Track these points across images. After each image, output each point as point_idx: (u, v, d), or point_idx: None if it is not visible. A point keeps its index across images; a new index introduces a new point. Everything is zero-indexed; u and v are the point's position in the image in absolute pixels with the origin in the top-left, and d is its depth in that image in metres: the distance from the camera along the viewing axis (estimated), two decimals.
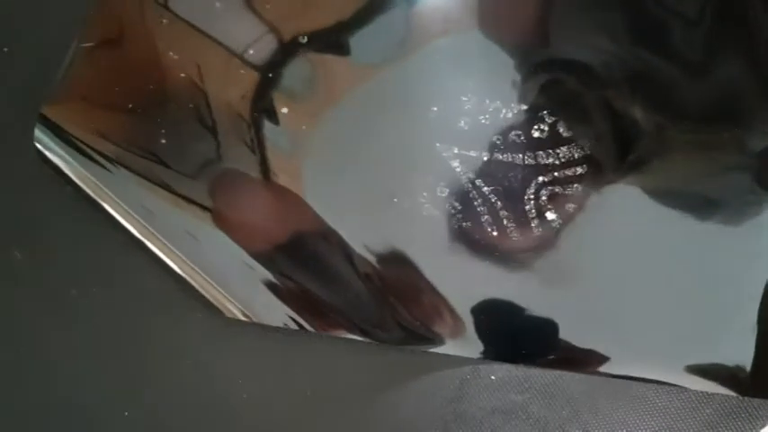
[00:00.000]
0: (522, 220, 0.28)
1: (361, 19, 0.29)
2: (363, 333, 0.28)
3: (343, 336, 0.28)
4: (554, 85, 0.29)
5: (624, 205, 0.29)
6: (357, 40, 0.29)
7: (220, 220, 0.28)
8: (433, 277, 0.28)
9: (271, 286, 0.28)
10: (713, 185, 0.29)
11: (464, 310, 0.28)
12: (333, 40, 0.29)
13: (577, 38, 0.30)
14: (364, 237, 0.28)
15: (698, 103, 0.30)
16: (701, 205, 0.29)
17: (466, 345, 0.28)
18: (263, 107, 0.29)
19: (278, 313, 0.28)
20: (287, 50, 0.29)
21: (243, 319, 0.28)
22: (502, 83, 0.29)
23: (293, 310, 0.28)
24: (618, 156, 0.29)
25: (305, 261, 0.28)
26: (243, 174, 0.28)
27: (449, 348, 0.28)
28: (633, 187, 0.29)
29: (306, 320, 0.28)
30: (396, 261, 0.28)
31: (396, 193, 0.28)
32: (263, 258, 0.28)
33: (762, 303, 0.28)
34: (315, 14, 0.30)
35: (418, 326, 0.28)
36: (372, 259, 0.28)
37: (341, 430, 0.28)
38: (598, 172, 0.29)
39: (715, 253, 0.28)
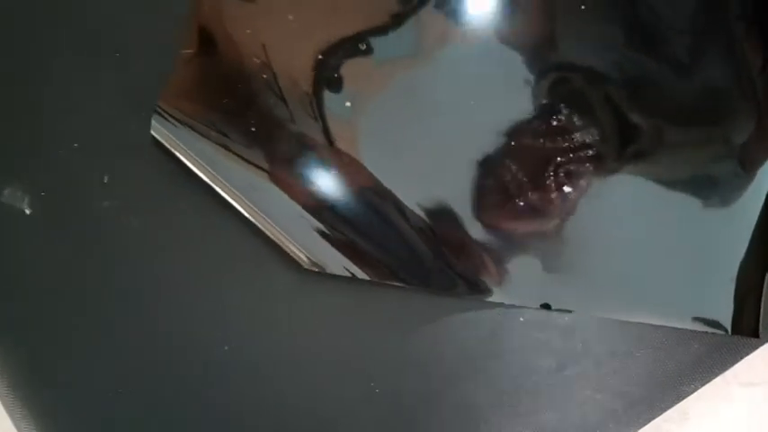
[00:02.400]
0: (543, 192, 0.35)
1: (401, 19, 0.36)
2: (415, 282, 0.34)
3: (393, 283, 0.34)
4: (563, 83, 0.36)
5: (626, 181, 0.35)
6: (404, 36, 0.36)
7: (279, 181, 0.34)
8: (477, 233, 0.34)
9: (335, 242, 0.34)
10: (703, 171, 0.36)
11: (503, 263, 0.34)
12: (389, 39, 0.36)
13: (582, 44, 0.36)
14: (417, 195, 0.34)
15: (687, 102, 0.36)
16: (693, 186, 0.35)
17: (505, 293, 0.34)
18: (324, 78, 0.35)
19: (338, 264, 0.33)
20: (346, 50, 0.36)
21: (316, 269, 0.33)
22: (521, 81, 0.35)
23: (352, 262, 0.34)
24: (620, 143, 0.35)
25: (366, 217, 0.34)
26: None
27: (494, 297, 0.34)
28: (634, 167, 0.35)
29: (364, 271, 0.34)
30: (445, 217, 0.34)
31: (441, 163, 0.35)
32: (327, 214, 0.34)
33: (742, 262, 0.34)
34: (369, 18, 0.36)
35: (468, 274, 0.34)
36: (424, 215, 0.34)
37: (393, 364, 0.34)
38: (605, 153, 0.35)
39: (705, 224, 0.35)
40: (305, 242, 0.33)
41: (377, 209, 0.35)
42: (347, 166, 0.35)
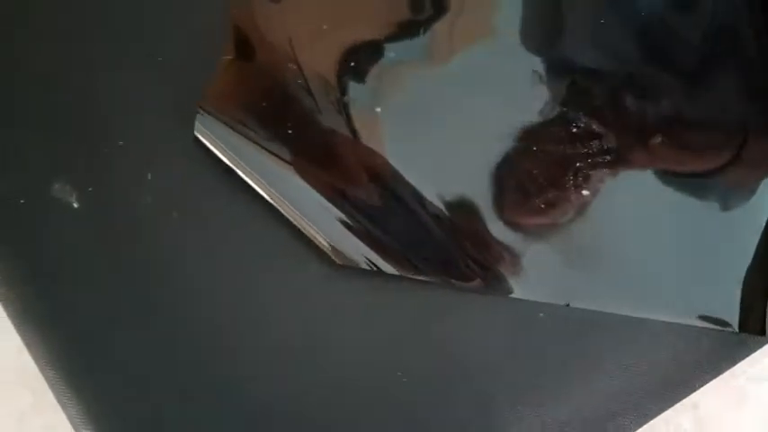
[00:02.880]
0: (562, 195, 0.37)
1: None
2: (436, 275, 0.36)
3: (415, 277, 0.35)
4: (582, 92, 0.38)
5: (640, 186, 0.37)
6: (428, 42, 0.39)
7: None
8: (495, 230, 0.36)
9: (358, 232, 0.36)
10: (713, 177, 0.37)
11: (521, 259, 0.36)
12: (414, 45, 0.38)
13: (600, 56, 0.39)
14: (437, 189, 0.36)
15: (699, 111, 0.38)
16: (703, 191, 0.37)
17: (524, 288, 0.36)
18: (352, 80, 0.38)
19: (362, 256, 0.35)
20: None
21: (344, 263, 0.35)
22: (542, 88, 0.38)
23: (375, 253, 0.36)
24: (635, 149, 0.37)
25: (387, 208, 0.36)
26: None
27: (514, 293, 0.36)
28: (648, 173, 0.37)
29: (386, 262, 0.35)
30: (465, 212, 0.36)
31: (462, 162, 0.37)
32: (349, 205, 0.36)
33: (750, 264, 0.36)
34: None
35: (487, 267, 0.36)
36: (444, 208, 0.36)
37: (418, 355, 0.36)
38: (621, 159, 0.37)
39: (714, 228, 0.37)
40: (331, 234, 0.35)
41: (398, 200, 0.37)
42: (370, 158, 0.37)
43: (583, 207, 0.37)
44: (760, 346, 0.35)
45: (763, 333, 0.35)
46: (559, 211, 0.37)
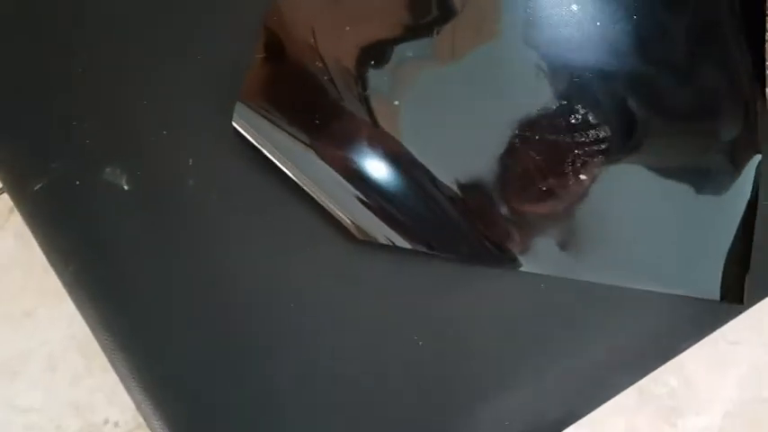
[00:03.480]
0: (562, 179, 0.41)
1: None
2: (448, 250, 0.40)
3: (429, 251, 0.39)
4: (579, 86, 0.42)
5: (632, 171, 0.41)
6: (441, 41, 0.43)
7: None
8: (503, 210, 0.40)
9: (375, 210, 0.39)
10: (699, 164, 0.41)
11: (526, 236, 0.40)
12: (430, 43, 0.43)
13: (596, 54, 0.43)
14: (449, 172, 0.40)
15: (686, 103, 0.43)
16: (690, 176, 0.41)
17: (529, 262, 0.40)
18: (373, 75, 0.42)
19: (379, 231, 0.39)
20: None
21: (365, 239, 0.39)
22: (544, 84, 0.42)
23: (391, 229, 0.39)
24: (627, 138, 0.41)
25: (403, 187, 0.40)
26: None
27: (521, 267, 0.39)
28: (639, 159, 0.41)
29: (402, 238, 0.39)
30: (475, 193, 0.40)
31: (472, 148, 0.41)
32: (367, 184, 0.40)
33: (732, 241, 0.40)
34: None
35: (496, 243, 0.40)
36: (457, 189, 0.40)
37: (432, 322, 0.39)
38: (615, 147, 0.41)
39: (700, 209, 0.41)
40: (353, 212, 0.39)
41: (414, 182, 0.41)
42: (389, 145, 0.41)
43: (582, 190, 0.41)
44: (739, 313, 0.39)
45: (741, 302, 0.39)
46: (560, 194, 0.41)
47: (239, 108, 0.40)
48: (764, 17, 0.42)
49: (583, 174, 0.41)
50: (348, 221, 0.39)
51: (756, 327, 0.47)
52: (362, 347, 0.39)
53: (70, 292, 0.40)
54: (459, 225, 0.40)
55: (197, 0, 0.43)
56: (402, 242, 0.39)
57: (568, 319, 0.39)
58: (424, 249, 0.39)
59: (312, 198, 0.39)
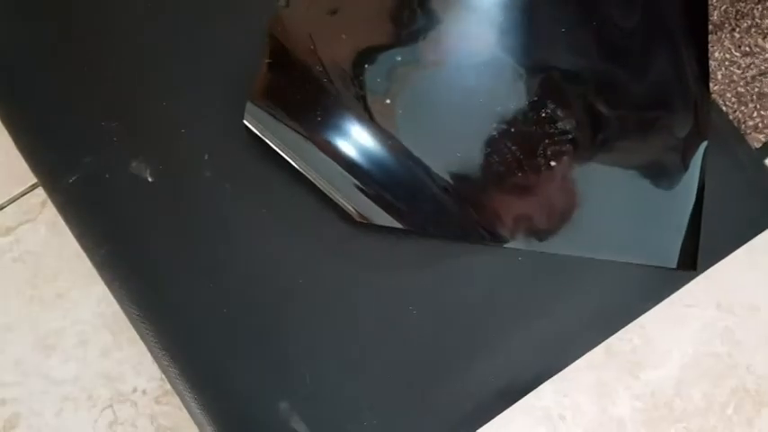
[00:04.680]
0: (535, 166, 0.46)
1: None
2: (441, 231, 0.45)
3: (422, 232, 0.44)
4: (548, 83, 0.47)
5: (597, 159, 0.46)
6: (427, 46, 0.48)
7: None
8: (489, 193, 0.45)
9: (372, 196, 0.44)
10: (655, 156, 0.47)
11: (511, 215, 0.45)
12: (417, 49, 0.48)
13: (563, 55, 0.48)
14: (440, 162, 0.45)
15: (642, 99, 0.48)
16: (648, 167, 0.46)
17: (513, 239, 0.45)
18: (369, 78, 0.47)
19: (377, 214, 0.44)
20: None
21: (364, 221, 0.44)
22: (518, 82, 0.47)
23: (387, 213, 0.44)
24: (591, 130, 0.47)
25: (397, 175, 0.45)
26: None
27: (506, 243, 0.45)
28: (602, 149, 0.46)
29: (398, 221, 0.44)
30: (463, 180, 0.45)
31: (458, 140, 0.46)
32: (364, 173, 0.44)
33: (688, 218, 0.45)
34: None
35: (483, 223, 0.45)
36: (447, 176, 0.45)
37: (425, 293, 0.44)
38: (580, 138, 0.46)
39: (658, 193, 0.46)
40: (352, 197, 0.44)
41: (407, 170, 0.45)
42: (383, 137, 0.46)
43: (553, 175, 0.46)
44: (692, 278, 0.45)
45: (694, 269, 0.44)
46: (535, 179, 0.46)
47: (249, 107, 0.45)
48: (707, 18, 0.48)
49: (553, 161, 0.46)
50: (348, 206, 0.44)
51: (707, 290, 0.53)
52: (362, 319, 0.44)
53: (101, 273, 0.44)
54: (450, 209, 0.45)
55: (211, 13, 0.48)
56: (397, 224, 0.44)
57: (543, 288, 0.44)
58: (418, 231, 0.44)
59: (316, 186, 0.44)
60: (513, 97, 0.47)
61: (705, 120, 0.47)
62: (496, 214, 0.45)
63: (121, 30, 0.48)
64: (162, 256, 0.44)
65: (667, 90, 0.47)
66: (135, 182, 0.45)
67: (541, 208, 0.46)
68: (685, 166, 0.46)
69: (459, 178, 0.46)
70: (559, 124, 0.46)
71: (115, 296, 0.44)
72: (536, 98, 0.47)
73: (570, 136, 0.46)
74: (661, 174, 0.46)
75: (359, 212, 0.44)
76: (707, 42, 0.48)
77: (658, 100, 0.48)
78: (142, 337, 0.44)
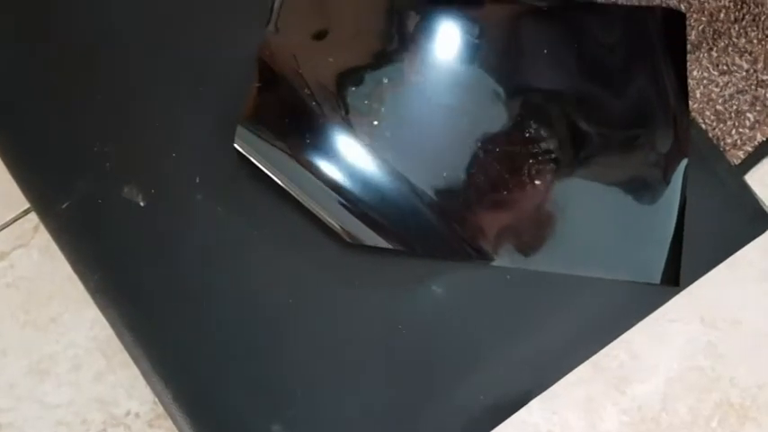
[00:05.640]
0: (519, 185, 0.47)
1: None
2: (429, 250, 0.45)
3: (410, 251, 0.45)
4: (532, 104, 0.48)
5: (580, 177, 0.47)
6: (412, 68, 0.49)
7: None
8: (473, 214, 0.46)
9: (359, 215, 0.45)
10: (637, 172, 0.48)
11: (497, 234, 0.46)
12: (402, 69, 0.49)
13: (545, 76, 0.49)
14: (426, 181, 0.46)
15: (623, 118, 0.49)
16: (630, 184, 0.47)
17: (499, 257, 0.45)
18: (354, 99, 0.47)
19: (366, 235, 0.45)
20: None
21: (352, 241, 0.44)
22: (502, 103, 0.48)
23: (375, 233, 0.45)
24: (573, 149, 0.47)
25: (384, 194, 0.46)
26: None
27: (492, 261, 0.45)
28: (585, 168, 0.47)
29: (386, 240, 0.45)
30: (450, 199, 0.46)
31: (444, 160, 0.47)
32: (351, 192, 0.45)
33: (671, 235, 0.46)
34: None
35: (470, 241, 0.45)
36: (433, 195, 0.46)
37: (414, 312, 0.45)
38: (563, 157, 0.47)
39: (641, 211, 0.47)
40: (341, 219, 0.44)
41: (394, 190, 0.46)
42: (370, 157, 0.46)
43: (538, 194, 0.47)
44: (675, 294, 0.45)
45: (677, 284, 0.45)
46: (520, 198, 0.47)
47: (240, 131, 0.45)
48: (685, 38, 0.49)
49: (537, 179, 0.47)
50: (337, 227, 0.44)
51: (691, 305, 0.53)
52: (350, 337, 0.44)
53: (95, 298, 0.45)
54: (437, 228, 0.46)
55: (202, 39, 0.49)
56: (385, 244, 0.45)
57: (530, 305, 0.45)
58: (406, 250, 0.45)
59: (305, 207, 0.45)
60: (497, 117, 0.48)
61: (685, 137, 0.48)
62: (482, 232, 0.46)
63: (113, 55, 0.48)
64: (154, 281, 0.45)
65: (648, 108, 0.48)
66: (127, 206, 0.45)
67: (526, 225, 0.47)
68: (666, 183, 0.47)
69: (446, 197, 0.46)
70: (542, 144, 0.47)
71: (109, 321, 0.45)
72: (519, 118, 0.48)
73: (554, 155, 0.47)
74: (643, 191, 0.47)
75: (348, 233, 0.44)
76: (685, 61, 0.49)
77: (639, 118, 0.48)
78: (135, 362, 0.44)
